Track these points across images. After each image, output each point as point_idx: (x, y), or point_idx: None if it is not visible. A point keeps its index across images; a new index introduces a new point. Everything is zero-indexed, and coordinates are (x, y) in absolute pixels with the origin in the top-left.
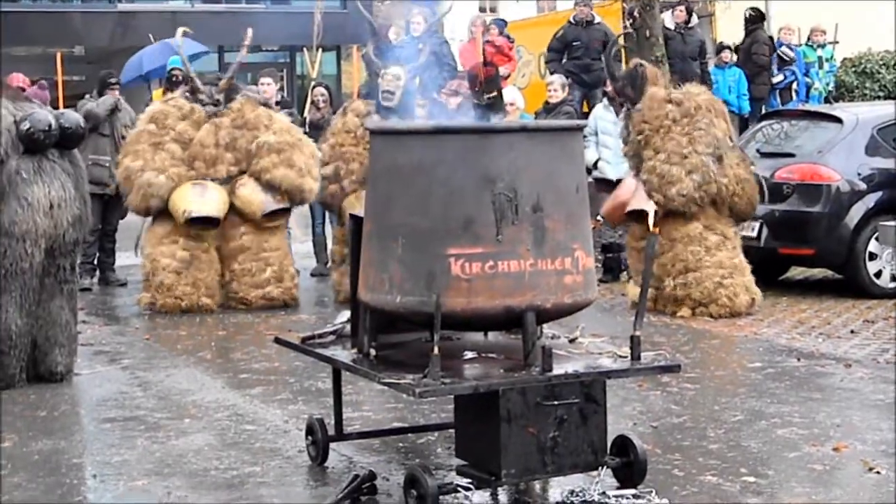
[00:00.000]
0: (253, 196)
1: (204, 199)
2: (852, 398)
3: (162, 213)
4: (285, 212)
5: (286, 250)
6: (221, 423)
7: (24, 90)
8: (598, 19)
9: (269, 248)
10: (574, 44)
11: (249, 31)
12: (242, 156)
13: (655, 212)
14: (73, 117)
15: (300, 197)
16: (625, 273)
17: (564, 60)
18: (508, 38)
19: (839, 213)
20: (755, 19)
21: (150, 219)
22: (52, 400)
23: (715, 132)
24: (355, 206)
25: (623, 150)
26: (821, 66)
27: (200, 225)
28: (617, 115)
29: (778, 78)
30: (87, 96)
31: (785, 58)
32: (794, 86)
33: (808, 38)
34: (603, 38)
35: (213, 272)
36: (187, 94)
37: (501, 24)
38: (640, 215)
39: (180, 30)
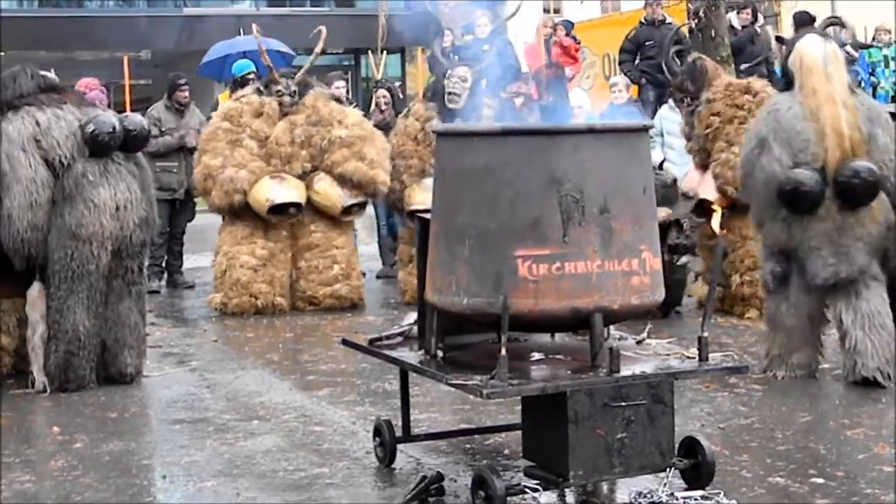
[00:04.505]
0: (331, 190)
1: (284, 187)
2: None
3: (241, 214)
4: (362, 206)
5: (353, 248)
6: (289, 424)
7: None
8: (669, 19)
9: (337, 245)
10: (647, 44)
11: (324, 30)
12: (317, 152)
13: (723, 213)
14: (137, 120)
15: (373, 188)
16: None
17: (637, 61)
18: (575, 39)
19: None
20: (805, 21)
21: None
22: (122, 401)
23: None
24: (415, 191)
25: (687, 147)
26: (887, 65)
27: (282, 214)
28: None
29: None
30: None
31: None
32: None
33: (874, 38)
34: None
35: (286, 272)
36: (260, 87)
37: (569, 25)
38: (704, 208)
39: (255, 27)
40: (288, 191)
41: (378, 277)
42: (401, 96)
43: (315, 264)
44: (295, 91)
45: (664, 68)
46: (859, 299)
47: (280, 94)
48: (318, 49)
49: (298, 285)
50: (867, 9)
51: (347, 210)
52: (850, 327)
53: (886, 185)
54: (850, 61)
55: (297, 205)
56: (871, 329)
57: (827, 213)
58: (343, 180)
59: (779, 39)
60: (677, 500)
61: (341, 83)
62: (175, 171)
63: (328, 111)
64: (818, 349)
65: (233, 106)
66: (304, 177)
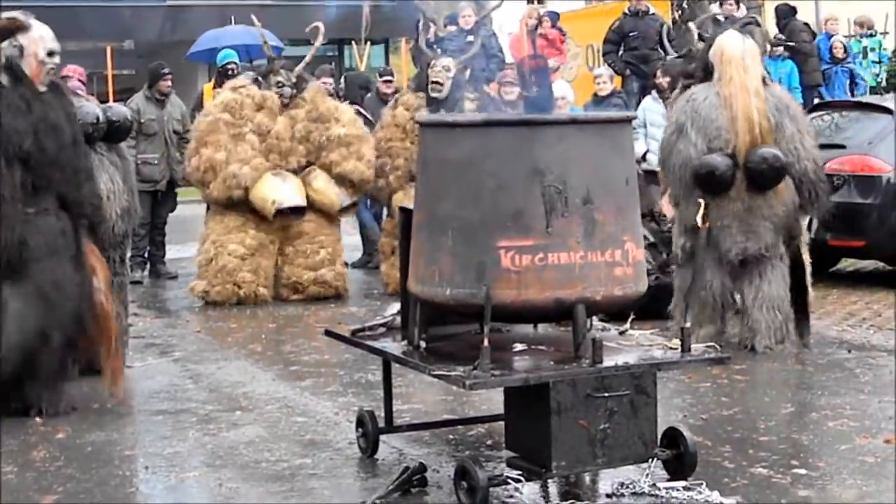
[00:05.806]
0: (329, 189)
1: (288, 188)
2: None
3: (234, 204)
4: (355, 204)
5: (338, 235)
6: (272, 415)
7: (66, 77)
8: (652, 10)
9: (325, 233)
10: (631, 34)
11: (321, 27)
12: (314, 148)
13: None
14: (121, 111)
15: (366, 188)
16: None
17: (621, 52)
18: (561, 30)
19: (890, 205)
20: (787, 14)
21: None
22: (104, 392)
23: None
24: (404, 202)
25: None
26: (864, 56)
27: (286, 215)
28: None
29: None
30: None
31: (838, 55)
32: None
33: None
34: (659, 28)
35: (271, 262)
36: (258, 78)
37: (554, 16)
38: None
39: (253, 18)
40: (293, 194)
41: (354, 267)
42: (388, 90)
43: (303, 249)
44: (295, 83)
45: (663, 51)
46: (762, 280)
47: (281, 85)
48: (316, 43)
49: (283, 272)
50: (852, 4)
51: (344, 209)
52: (751, 306)
53: (792, 171)
54: (842, 59)
55: (301, 209)
56: (768, 311)
57: (737, 194)
58: (341, 179)
59: (700, 38)
60: (659, 490)
61: (329, 80)
62: (156, 162)
63: (326, 108)
64: (724, 323)
65: (233, 97)
66: (299, 171)
